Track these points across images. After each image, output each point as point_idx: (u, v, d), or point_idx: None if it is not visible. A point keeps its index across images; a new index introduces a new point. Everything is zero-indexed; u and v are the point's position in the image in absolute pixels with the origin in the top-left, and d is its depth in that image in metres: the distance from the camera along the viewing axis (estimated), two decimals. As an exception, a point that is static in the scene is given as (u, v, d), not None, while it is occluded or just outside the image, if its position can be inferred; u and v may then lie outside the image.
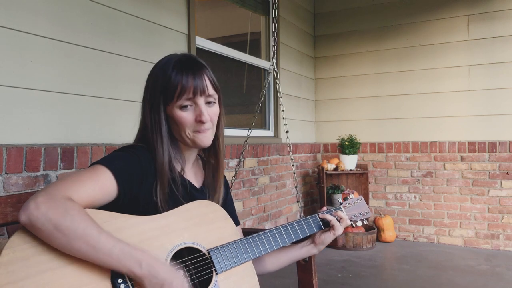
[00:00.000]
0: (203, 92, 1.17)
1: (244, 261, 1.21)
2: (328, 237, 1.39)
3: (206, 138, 1.21)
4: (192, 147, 1.25)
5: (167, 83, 1.16)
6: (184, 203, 1.18)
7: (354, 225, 1.47)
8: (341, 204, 1.50)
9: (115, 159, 1.11)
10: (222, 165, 1.32)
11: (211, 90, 1.19)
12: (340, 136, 4.49)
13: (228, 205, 1.39)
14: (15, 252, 0.90)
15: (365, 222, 1.51)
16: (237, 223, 1.39)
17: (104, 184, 1.05)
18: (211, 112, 1.21)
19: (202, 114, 1.18)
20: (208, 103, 1.20)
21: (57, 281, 0.92)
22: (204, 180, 1.33)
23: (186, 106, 1.17)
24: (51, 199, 0.94)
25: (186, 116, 1.17)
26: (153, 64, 1.25)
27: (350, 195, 1.52)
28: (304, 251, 1.43)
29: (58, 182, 1.00)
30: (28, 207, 0.91)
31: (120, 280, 0.98)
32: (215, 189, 1.31)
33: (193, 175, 1.31)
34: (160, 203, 1.14)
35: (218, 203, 1.30)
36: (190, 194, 1.24)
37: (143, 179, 1.13)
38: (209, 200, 1.28)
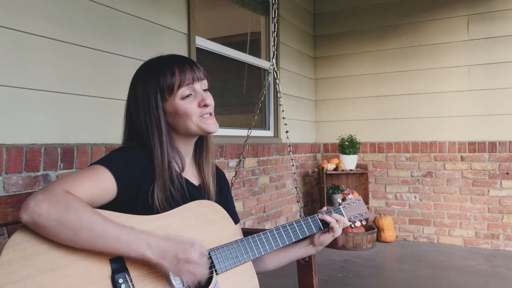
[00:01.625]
0: (199, 78, 1.21)
1: (244, 261, 1.21)
2: (327, 239, 1.39)
3: (213, 124, 1.23)
4: (195, 136, 1.25)
5: (163, 79, 1.17)
6: (183, 203, 1.18)
7: (353, 226, 1.47)
8: (340, 204, 1.49)
9: (114, 159, 1.11)
10: (211, 158, 1.33)
11: (203, 76, 1.23)
12: (340, 136, 4.49)
13: (228, 202, 1.40)
14: (16, 251, 0.90)
15: (364, 222, 1.51)
16: (237, 220, 1.40)
17: (103, 183, 1.04)
18: (209, 98, 1.23)
19: (205, 98, 1.20)
20: (204, 90, 1.23)
21: (57, 281, 0.92)
22: (202, 177, 1.32)
23: (188, 96, 1.19)
24: (51, 195, 0.93)
25: (189, 104, 1.19)
26: None
27: (349, 196, 1.52)
28: (302, 251, 1.43)
29: (57, 181, 1.00)
30: (28, 206, 0.91)
31: (121, 280, 0.98)
32: (209, 184, 1.31)
33: (191, 173, 1.31)
34: (159, 203, 1.13)
35: (212, 198, 1.30)
36: (189, 192, 1.23)
37: (142, 179, 1.13)
38: (206, 197, 1.29)
